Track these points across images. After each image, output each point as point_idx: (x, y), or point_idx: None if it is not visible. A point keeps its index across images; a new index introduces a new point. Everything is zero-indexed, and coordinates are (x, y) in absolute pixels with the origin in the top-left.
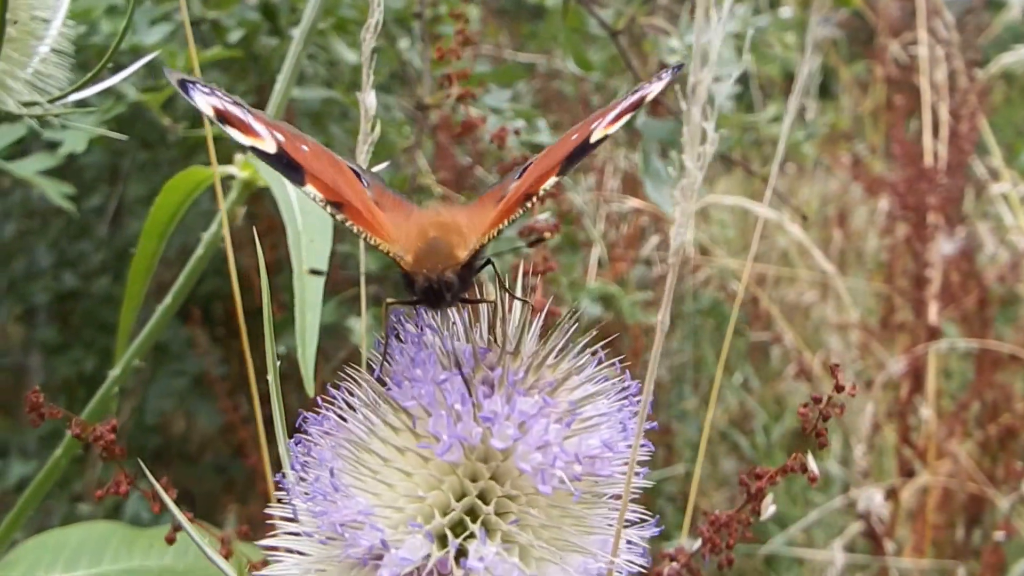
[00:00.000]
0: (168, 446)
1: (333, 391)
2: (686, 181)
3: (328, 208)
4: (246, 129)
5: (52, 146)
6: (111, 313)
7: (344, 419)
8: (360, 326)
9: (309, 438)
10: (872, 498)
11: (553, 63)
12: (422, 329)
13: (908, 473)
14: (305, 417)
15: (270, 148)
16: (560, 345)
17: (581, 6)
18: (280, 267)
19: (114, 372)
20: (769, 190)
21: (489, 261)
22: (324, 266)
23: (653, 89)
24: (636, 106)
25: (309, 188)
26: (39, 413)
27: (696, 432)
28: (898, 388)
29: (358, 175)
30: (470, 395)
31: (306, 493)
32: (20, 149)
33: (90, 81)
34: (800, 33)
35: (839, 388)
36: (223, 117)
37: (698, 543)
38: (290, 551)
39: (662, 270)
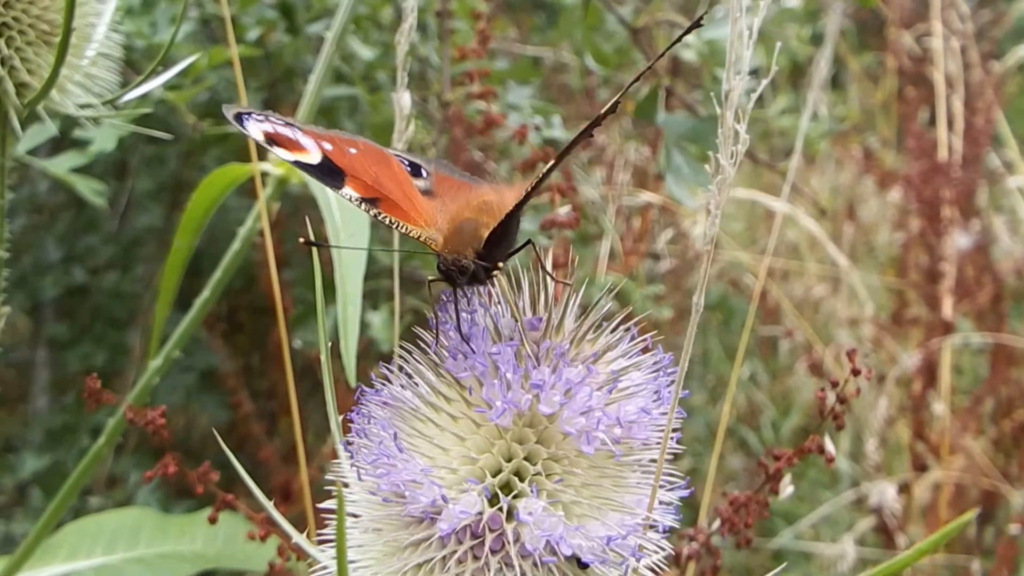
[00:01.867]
0: (173, 440)
1: (386, 369)
2: (720, 177)
3: (363, 205)
4: (292, 146)
5: (77, 143)
6: (120, 308)
7: (401, 391)
8: (376, 319)
9: (367, 409)
10: (885, 493)
11: (560, 57)
12: (472, 307)
13: (921, 468)
14: (363, 391)
15: (314, 159)
16: (596, 322)
17: (602, 3)
18: (287, 261)
19: (155, 363)
20: (787, 185)
21: (530, 242)
22: (363, 261)
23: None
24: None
25: (346, 189)
26: (96, 399)
27: (703, 428)
28: (910, 383)
29: (417, 167)
30: (520, 365)
31: (351, 458)
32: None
33: (141, 82)
34: (807, 24)
35: (855, 372)
36: (272, 139)
37: (716, 523)
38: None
39: (672, 264)
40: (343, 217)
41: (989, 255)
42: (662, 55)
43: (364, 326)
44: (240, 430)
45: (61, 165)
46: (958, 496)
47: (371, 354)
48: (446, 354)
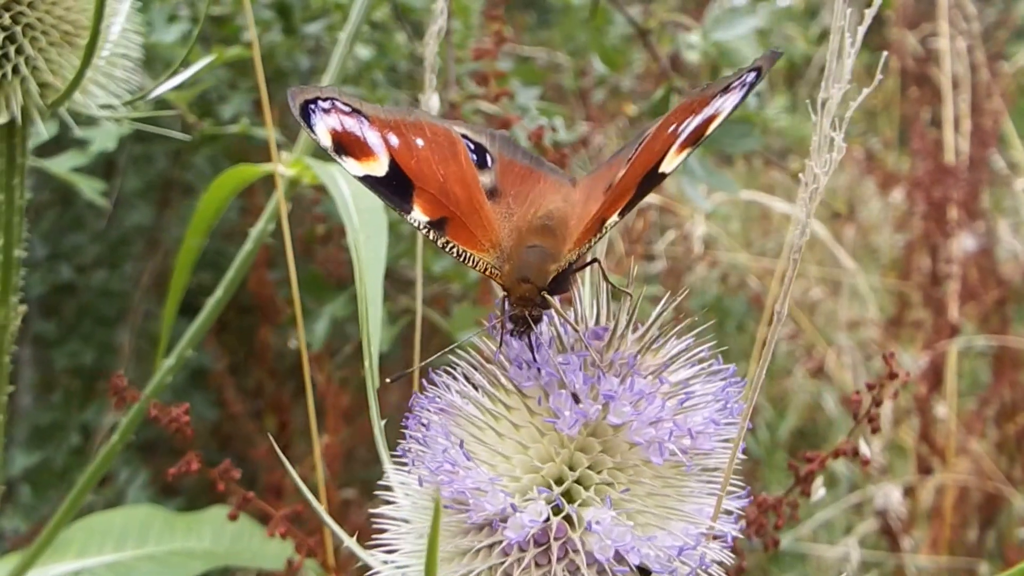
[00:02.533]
0: (160, 438)
1: (438, 374)
2: (814, 187)
3: (431, 233)
4: (359, 149)
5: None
6: (109, 306)
7: (460, 399)
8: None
9: (422, 416)
10: (890, 495)
11: (554, 57)
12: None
13: (926, 471)
14: (417, 397)
15: (382, 169)
16: (659, 332)
17: (612, 5)
18: (275, 261)
19: (168, 362)
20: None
21: (596, 261)
22: (382, 262)
23: (726, 105)
24: (708, 123)
25: (414, 213)
26: (121, 396)
27: None
28: (914, 386)
29: (482, 151)
30: (590, 376)
31: (406, 464)
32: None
33: (163, 82)
34: (806, 24)
35: (892, 375)
36: (340, 144)
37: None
38: (399, 520)
39: (669, 264)
40: (361, 219)
41: (993, 257)
42: (774, 59)
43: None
44: (226, 428)
45: (62, 164)
46: (961, 499)
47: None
48: (507, 363)
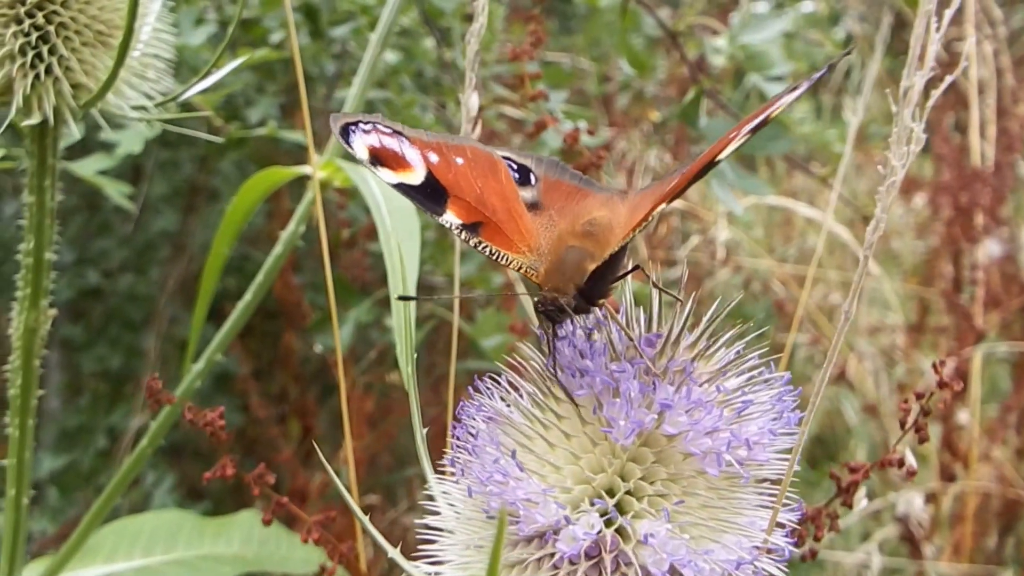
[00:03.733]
0: (186, 442)
1: (484, 383)
2: (892, 179)
3: (464, 233)
4: (397, 162)
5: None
6: (135, 311)
7: (508, 407)
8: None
9: (470, 424)
10: (912, 502)
11: (577, 62)
12: (588, 324)
13: (949, 478)
14: (463, 406)
15: (417, 178)
16: (714, 338)
17: (641, 7)
18: (300, 265)
19: (198, 367)
20: (834, 193)
21: (638, 267)
22: (415, 266)
23: (785, 99)
24: (763, 124)
25: (447, 215)
26: (156, 399)
27: None
28: (938, 393)
29: (526, 171)
30: (645, 384)
31: (459, 472)
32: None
33: (195, 83)
34: (829, 30)
35: (942, 385)
36: (376, 156)
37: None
38: (444, 530)
39: (693, 270)
40: (394, 221)
41: (1017, 263)
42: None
43: (385, 331)
44: (251, 433)
45: (88, 168)
46: (982, 507)
47: (388, 360)
48: (559, 370)
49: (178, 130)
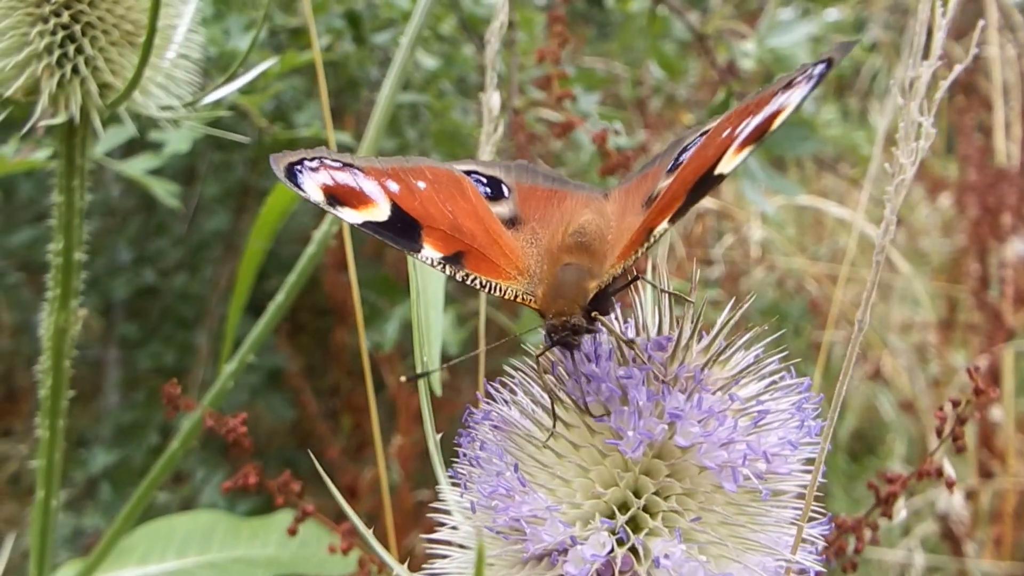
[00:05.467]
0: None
1: (494, 388)
2: (900, 178)
3: (447, 268)
4: (356, 198)
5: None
6: (188, 309)
7: (513, 415)
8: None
9: (478, 433)
10: (952, 499)
11: (611, 68)
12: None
13: (987, 475)
14: (470, 412)
15: (383, 213)
16: (723, 341)
17: (671, 11)
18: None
19: (230, 367)
20: (864, 193)
21: (638, 277)
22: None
23: (791, 100)
24: (771, 120)
25: (425, 250)
26: (175, 404)
27: None
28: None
29: (497, 184)
30: (654, 392)
31: (464, 486)
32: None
33: (223, 84)
34: (854, 35)
35: (978, 392)
36: (333, 195)
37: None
38: (453, 545)
39: (728, 269)
40: None
41: None
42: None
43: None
44: (303, 428)
45: (137, 167)
46: (1022, 502)
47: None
48: (565, 376)
49: (212, 131)
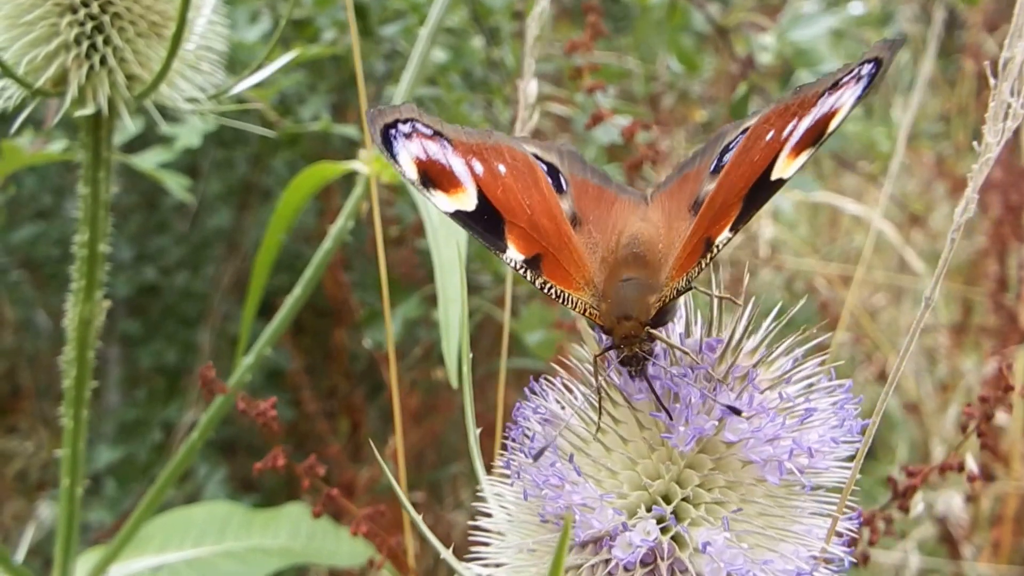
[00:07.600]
0: (238, 436)
1: (540, 384)
2: (986, 156)
3: (527, 272)
4: (448, 179)
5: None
6: (190, 307)
7: (564, 409)
8: None
9: (526, 427)
10: (951, 502)
11: (624, 63)
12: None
13: (989, 478)
14: (519, 407)
15: (470, 201)
16: (768, 342)
17: (690, 3)
18: (349, 264)
19: (248, 360)
20: (884, 193)
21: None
22: (461, 260)
23: (844, 100)
24: (826, 121)
25: (510, 251)
26: (210, 388)
27: None
28: (980, 391)
29: (555, 173)
30: (707, 390)
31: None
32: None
33: (246, 76)
34: (882, 28)
35: (1008, 388)
36: (427, 176)
37: None
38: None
39: (733, 269)
40: (440, 218)
41: None
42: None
43: (432, 327)
44: (302, 428)
45: (148, 161)
46: (1023, 507)
47: (434, 356)
48: (616, 374)
49: (232, 123)
